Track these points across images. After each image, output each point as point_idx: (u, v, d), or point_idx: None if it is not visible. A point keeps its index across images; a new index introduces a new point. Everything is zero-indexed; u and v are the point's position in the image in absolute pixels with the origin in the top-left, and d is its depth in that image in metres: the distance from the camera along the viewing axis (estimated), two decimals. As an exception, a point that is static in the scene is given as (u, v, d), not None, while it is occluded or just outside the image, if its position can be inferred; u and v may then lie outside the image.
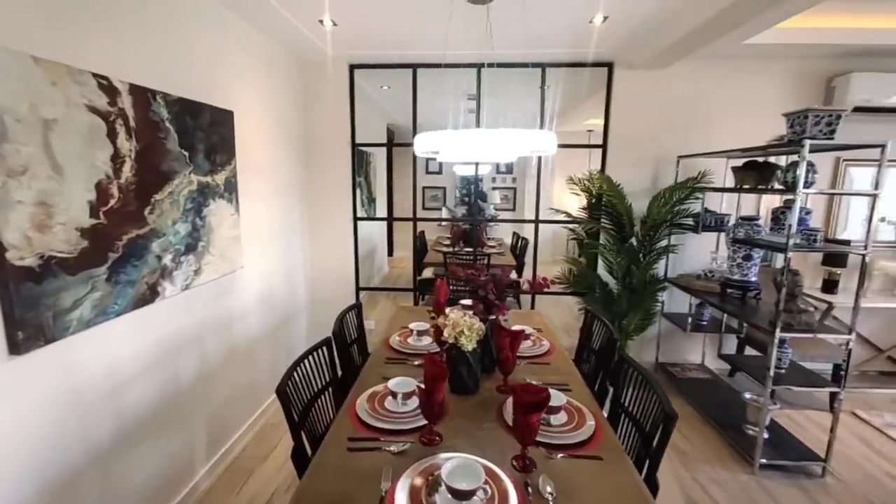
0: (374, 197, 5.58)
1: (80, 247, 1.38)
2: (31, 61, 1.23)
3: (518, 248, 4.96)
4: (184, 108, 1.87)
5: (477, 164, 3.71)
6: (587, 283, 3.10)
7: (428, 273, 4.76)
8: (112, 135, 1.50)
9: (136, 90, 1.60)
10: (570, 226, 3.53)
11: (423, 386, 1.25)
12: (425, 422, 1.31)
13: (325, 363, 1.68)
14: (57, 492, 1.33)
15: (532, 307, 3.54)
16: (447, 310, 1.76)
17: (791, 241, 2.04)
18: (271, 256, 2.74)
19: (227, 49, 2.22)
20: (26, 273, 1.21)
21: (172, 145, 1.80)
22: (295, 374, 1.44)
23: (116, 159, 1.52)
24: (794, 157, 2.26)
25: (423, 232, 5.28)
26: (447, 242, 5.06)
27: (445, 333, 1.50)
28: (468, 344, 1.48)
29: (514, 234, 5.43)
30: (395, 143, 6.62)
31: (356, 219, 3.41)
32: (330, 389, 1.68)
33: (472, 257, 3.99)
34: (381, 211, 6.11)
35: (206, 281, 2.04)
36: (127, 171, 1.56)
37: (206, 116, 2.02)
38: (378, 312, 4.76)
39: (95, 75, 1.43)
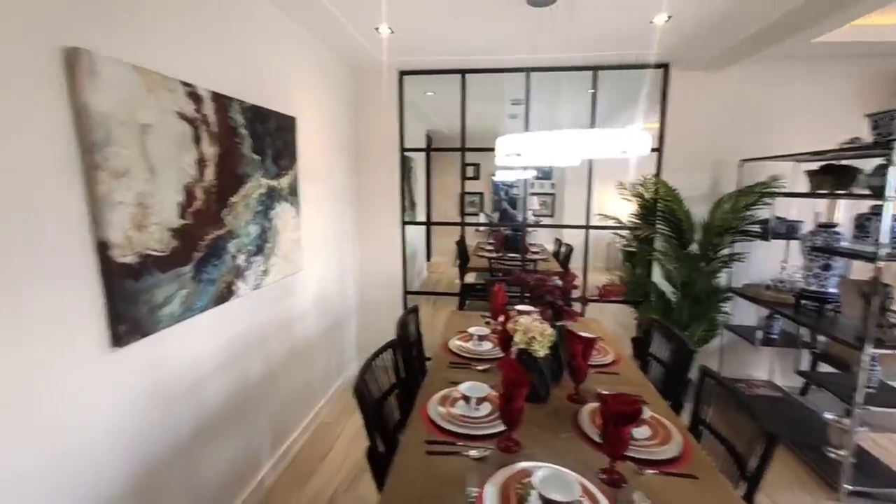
0: (414, 202, 5.63)
1: (171, 246, 1.44)
2: (133, 70, 1.30)
3: (562, 255, 4.86)
4: (256, 115, 1.94)
5: (526, 168, 3.67)
6: (642, 291, 2.98)
7: (470, 278, 4.74)
8: (197, 140, 1.57)
9: (217, 97, 1.67)
10: (620, 231, 3.43)
11: (497, 391, 1.22)
12: (500, 428, 1.28)
13: (390, 365, 1.68)
14: (145, 478, 1.39)
15: (582, 315, 3.43)
16: (514, 315, 1.73)
17: (883, 251, 1.88)
18: (325, 260, 2.80)
19: (291, 58, 2.30)
20: (127, 270, 1.27)
21: (246, 150, 1.87)
22: (367, 375, 1.44)
23: (201, 163, 1.59)
24: (879, 161, 2.10)
25: (463, 237, 5.28)
26: (489, 248, 5.03)
27: (516, 338, 1.47)
28: (540, 350, 1.44)
29: (557, 240, 5.33)
30: (438, 148, 6.67)
31: (404, 222, 3.44)
32: (395, 391, 1.68)
33: (518, 263, 3.94)
34: (420, 216, 6.16)
35: (272, 282, 2.09)
36: (209, 174, 1.63)
37: (273, 122, 2.09)
38: (419, 317, 4.76)
39: (184, 83, 1.51)
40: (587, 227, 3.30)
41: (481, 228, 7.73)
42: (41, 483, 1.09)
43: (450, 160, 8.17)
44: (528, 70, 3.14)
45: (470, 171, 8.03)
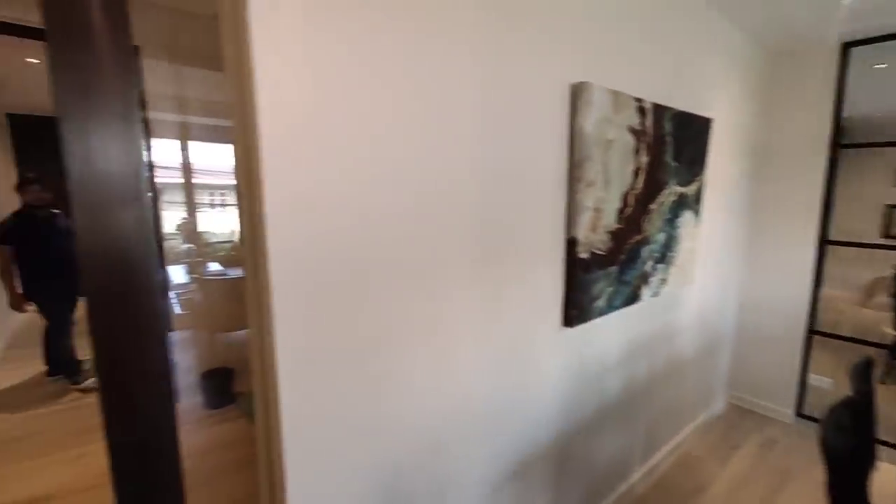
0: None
1: (608, 246, 1.61)
2: (608, 93, 1.50)
3: None
4: (680, 121, 1.89)
5: None
6: None
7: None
8: (637, 150, 1.68)
9: (656, 109, 1.72)
10: None
11: None
12: None
13: (843, 424, 1.29)
14: (563, 436, 1.64)
15: None
16: None
17: None
18: (711, 275, 2.50)
19: (707, 50, 2.08)
20: (581, 264, 1.51)
21: (668, 158, 1.87)
22: (832, 428, 1.15)
23: (636, 172, 1.69)
24: None
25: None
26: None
27: None
28: None
29: None
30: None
31: (826, 242, 2.64)
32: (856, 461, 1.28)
33: None
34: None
35: (667, 291, 2.04)
36: (639, 182, 1.72)
37: (692, 127, 2.00)
38: (820, 367, 3.53)
39: (635, 99, 1.62)
40: None
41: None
42: (513, 412, 1.44)
43: (868, 160, 5.80)
44: None
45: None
